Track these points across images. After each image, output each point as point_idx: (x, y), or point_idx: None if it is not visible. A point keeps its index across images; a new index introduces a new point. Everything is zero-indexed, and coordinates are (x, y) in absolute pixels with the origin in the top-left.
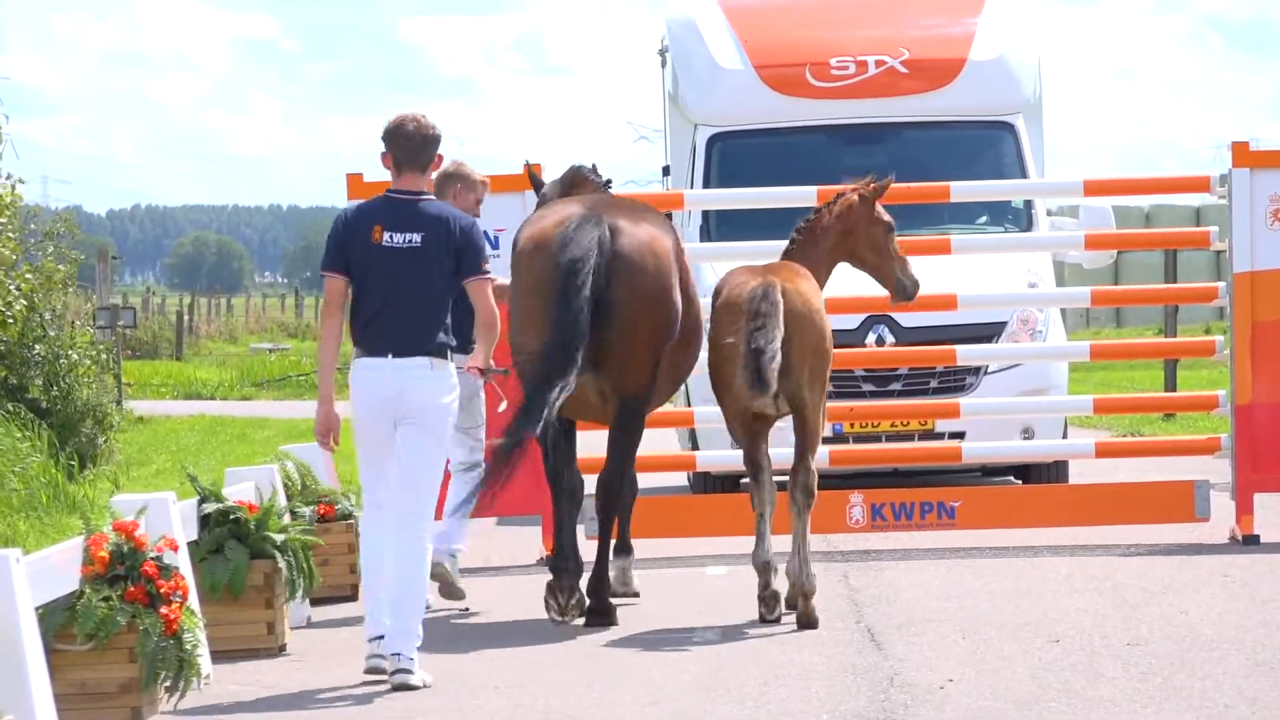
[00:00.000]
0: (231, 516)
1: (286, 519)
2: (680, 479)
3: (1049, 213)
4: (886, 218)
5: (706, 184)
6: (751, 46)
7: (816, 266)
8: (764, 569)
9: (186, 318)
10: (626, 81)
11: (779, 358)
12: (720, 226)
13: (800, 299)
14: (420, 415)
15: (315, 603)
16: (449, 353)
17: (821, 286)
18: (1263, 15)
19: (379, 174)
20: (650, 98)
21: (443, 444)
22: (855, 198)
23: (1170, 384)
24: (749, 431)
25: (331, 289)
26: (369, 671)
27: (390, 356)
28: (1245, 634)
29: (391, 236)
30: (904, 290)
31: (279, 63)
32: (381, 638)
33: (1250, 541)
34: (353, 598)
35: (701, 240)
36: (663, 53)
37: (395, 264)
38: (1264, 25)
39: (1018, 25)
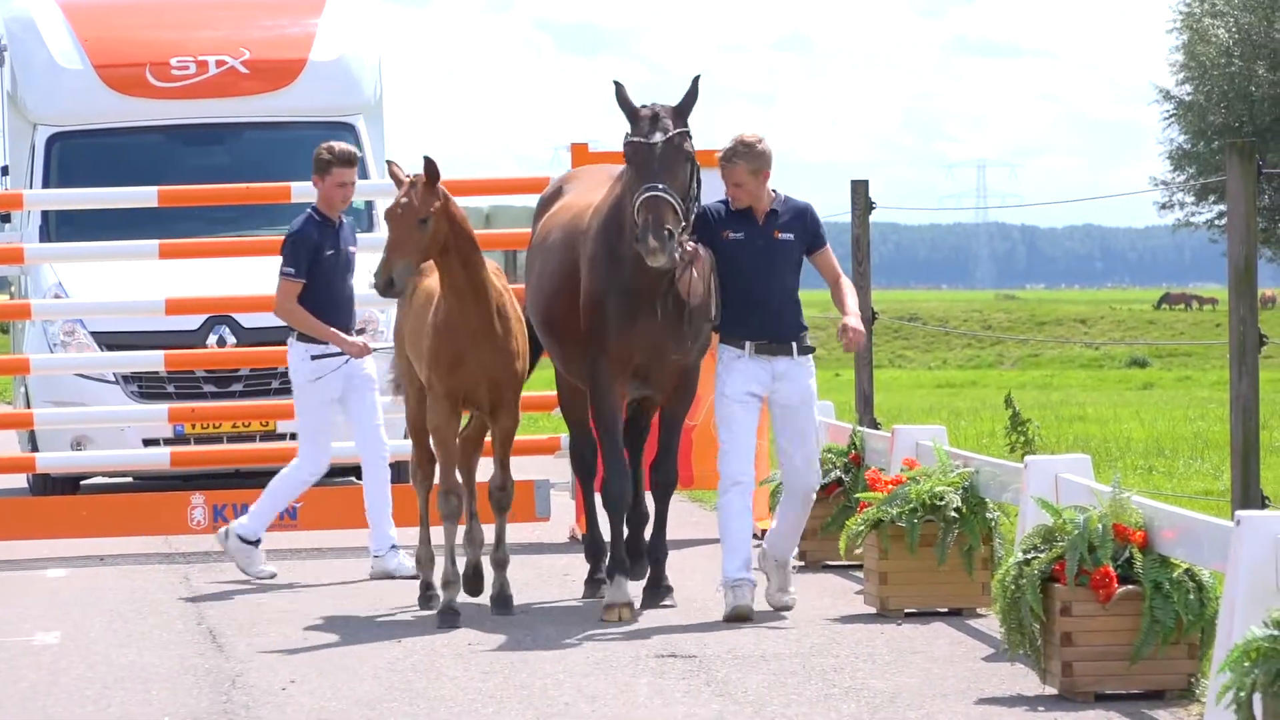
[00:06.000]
0: None
1: None
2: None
3: None
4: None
5: (46, 184)
6: (91, 46)
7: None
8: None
9: None
10: None
11: None
12: (61, 227)
13: None
14: None
15: None
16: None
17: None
18: (589, 20)
19: None
20: None
21: None
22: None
23: None
24: None
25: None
26: None
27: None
28: (582, 632)
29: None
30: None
31: None
32: None
33: None
34: None
35: (42, 240)
36: (1, 51)
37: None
38: (591, 29)
39: (358, 27)
